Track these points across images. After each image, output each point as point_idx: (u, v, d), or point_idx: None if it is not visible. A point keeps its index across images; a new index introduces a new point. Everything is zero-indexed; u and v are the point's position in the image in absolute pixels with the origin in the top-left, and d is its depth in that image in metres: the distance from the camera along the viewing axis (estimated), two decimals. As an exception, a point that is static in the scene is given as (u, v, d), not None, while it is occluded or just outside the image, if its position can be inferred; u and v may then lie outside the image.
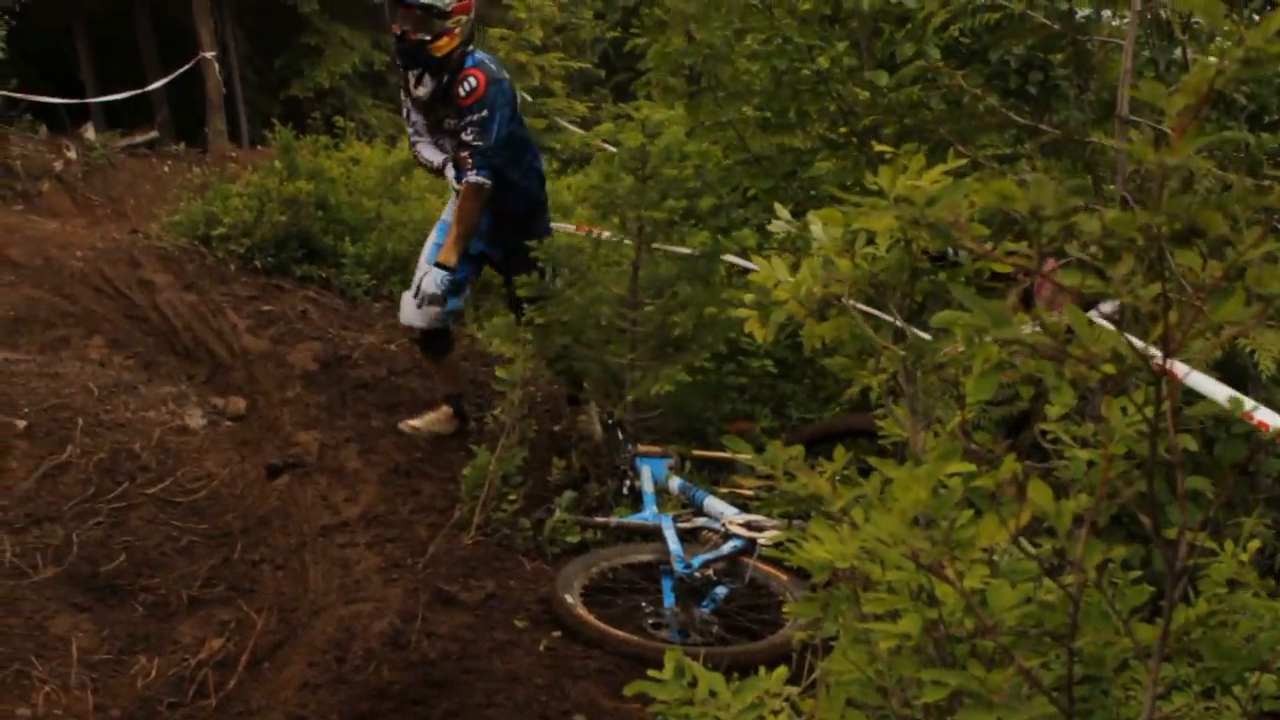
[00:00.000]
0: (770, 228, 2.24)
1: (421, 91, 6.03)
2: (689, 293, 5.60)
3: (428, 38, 5.80)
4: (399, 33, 5.84)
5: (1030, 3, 4.87)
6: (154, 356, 8.14)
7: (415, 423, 6.48)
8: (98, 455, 5.93)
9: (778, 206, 2.24)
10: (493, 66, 6.01)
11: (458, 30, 5.88)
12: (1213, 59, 1.16)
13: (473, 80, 5.87)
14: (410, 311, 6.16)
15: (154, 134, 18.96)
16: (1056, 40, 5.10)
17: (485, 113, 5.87)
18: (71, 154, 15.40)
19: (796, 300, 1.97)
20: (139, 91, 18.19)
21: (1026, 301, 5.37)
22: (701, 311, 5.58)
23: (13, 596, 4.75)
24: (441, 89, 5.97)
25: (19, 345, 7.90)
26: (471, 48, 6.02)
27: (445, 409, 6.57)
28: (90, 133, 17.33)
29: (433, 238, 6.34)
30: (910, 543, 1.39)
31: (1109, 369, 1.30)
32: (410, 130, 6.29)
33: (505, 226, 6.23)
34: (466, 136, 5.90)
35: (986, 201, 1.37)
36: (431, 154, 6.19)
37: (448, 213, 6.32)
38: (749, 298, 2.13)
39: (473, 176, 5.88)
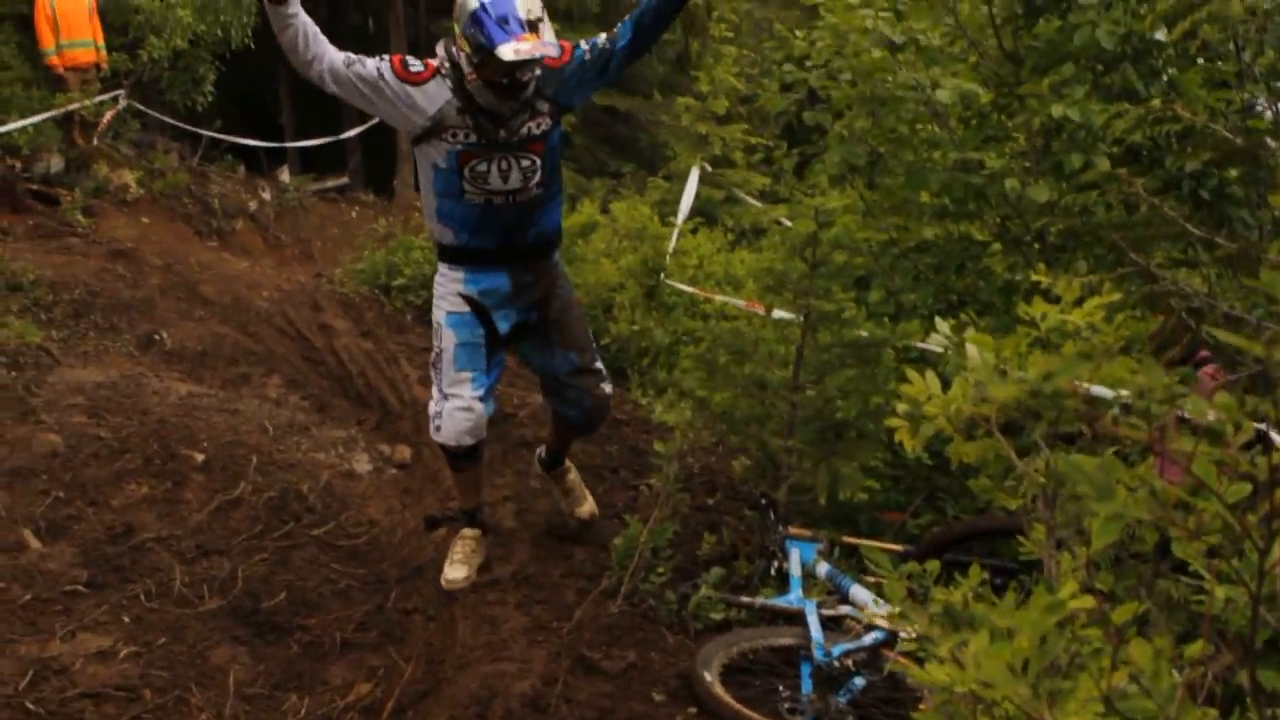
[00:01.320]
0: (929, 342, 2.28)
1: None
2: (852, 379, 5.61)
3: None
4: (505, 81, 4.69)
5: (1212, 115, 4.83)
6: (328, 399, 8.42)
7: (455, 575, 5.47)
8: (268, 493, 6.17)
9: (938, 320, 2.29)
10: None
11: None
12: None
13: (555, 48, 4.75)
14: (462, 424, 5.17)
15: (344, 180, 19.62)
16: (1237, 155, 5.04)
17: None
18: (266, 195, 16.02)
19: (945, 417, 2.01)
20: (334, 139, 18.86)
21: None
22: (866, 400, 5.60)
23: (179, 624, 4.98)
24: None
25: (204, 379, 8.27)
26: None
27: (472, 533, 5.68)
28: (285, 175, 18.00)
29: (453, 338, 5.17)
30: (1012, 689, 1.43)
31: (1215, 540, 1.32)
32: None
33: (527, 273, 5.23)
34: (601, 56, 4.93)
35: (1102, 380, 1.41)
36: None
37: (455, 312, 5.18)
38: (901, 408, 2.17)
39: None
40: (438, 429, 5.19)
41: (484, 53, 4.57)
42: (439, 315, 5.21)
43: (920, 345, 5.57)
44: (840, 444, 5.56)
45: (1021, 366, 2.00)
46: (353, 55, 4.81)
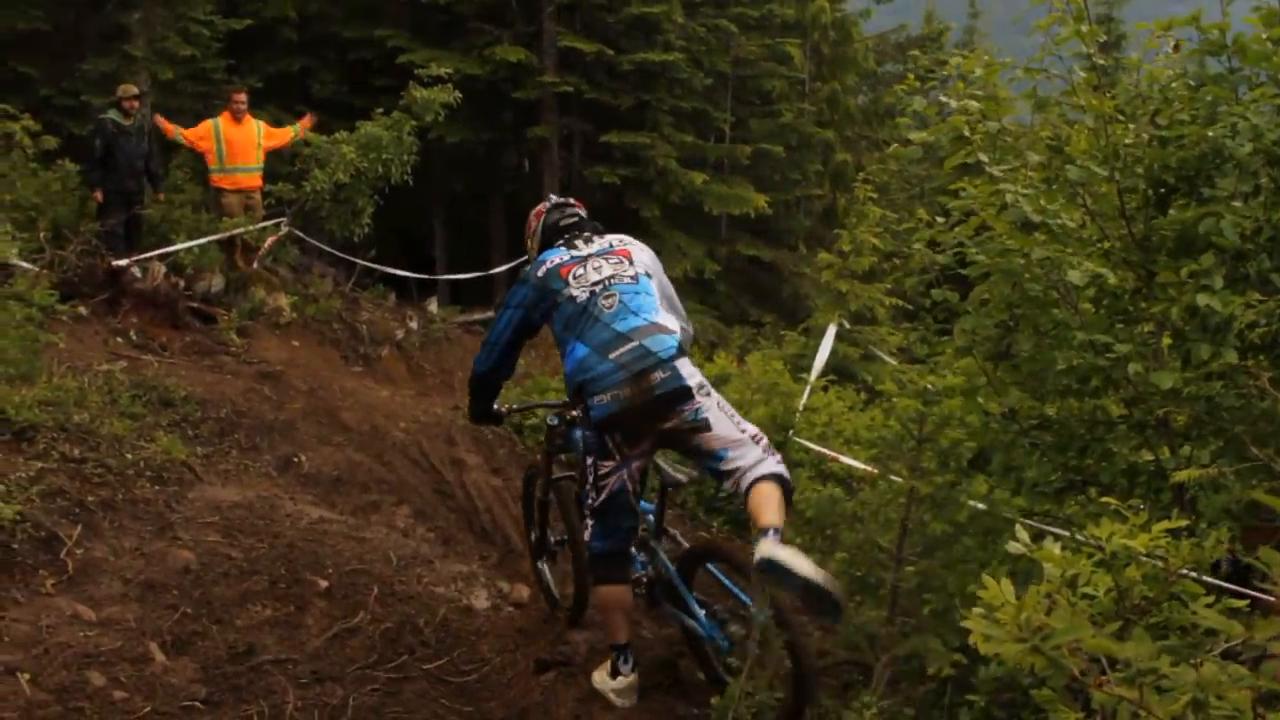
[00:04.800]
0: (1009, 547, 2.37)
1: None
2: (966, 549, 5.59)
3: None
4: None
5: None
6: (453, 533, 8.63)
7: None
8: (385, 624, 6.34)
9: (1018, 528, 2.38)
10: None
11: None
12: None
13: None
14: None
15: (490, 314, 20.07)
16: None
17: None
18: (413, 324, 16.50)
19: (1016, 625, 2.09)
20: (483, 274, 19.40)
21: None
22: (979, 574, 5.54)
23: (288, 750, 5.14)
24: None
25: (335, 504, 8.53)
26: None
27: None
28: (434, 306, 18.52)
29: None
30: None
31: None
32: None
33: None
34: None
35: (1093, 648, 1.49)
36: None
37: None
38: (976, 611, 2.25)
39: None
40: None
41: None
42: None
43: (1039, 525, 5.57)
44: (937, 620, 5.49)
45: (1090, 584, 2.08)
46: None
